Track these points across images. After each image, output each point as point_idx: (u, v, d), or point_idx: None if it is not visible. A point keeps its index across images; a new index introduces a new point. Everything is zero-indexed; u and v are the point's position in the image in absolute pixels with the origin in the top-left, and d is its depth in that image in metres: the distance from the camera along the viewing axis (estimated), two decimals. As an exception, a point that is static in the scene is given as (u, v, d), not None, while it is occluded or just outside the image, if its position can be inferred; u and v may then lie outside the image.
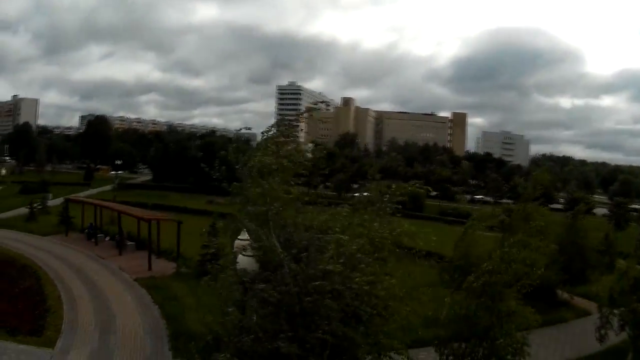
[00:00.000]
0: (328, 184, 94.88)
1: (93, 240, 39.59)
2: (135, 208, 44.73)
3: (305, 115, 10.04)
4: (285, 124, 9.88)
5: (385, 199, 9.59)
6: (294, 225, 9.75)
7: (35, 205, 50.33)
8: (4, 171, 64.37)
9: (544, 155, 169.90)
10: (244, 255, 9.85)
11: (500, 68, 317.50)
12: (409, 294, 9.85)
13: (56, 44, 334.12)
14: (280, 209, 9.54)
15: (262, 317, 9.10)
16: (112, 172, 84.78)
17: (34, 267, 29.51)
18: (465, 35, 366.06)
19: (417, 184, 10.60)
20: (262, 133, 9.82)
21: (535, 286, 12.48)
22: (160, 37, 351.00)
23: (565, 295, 28.57)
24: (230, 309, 9.45)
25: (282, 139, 9.57)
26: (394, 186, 9.88)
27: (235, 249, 9.94)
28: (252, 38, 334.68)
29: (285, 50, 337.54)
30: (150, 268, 31.21)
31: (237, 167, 9.73)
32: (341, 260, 8.69)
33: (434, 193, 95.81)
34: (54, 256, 33.79)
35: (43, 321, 20.88)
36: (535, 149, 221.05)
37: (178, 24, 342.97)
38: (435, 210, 77.65)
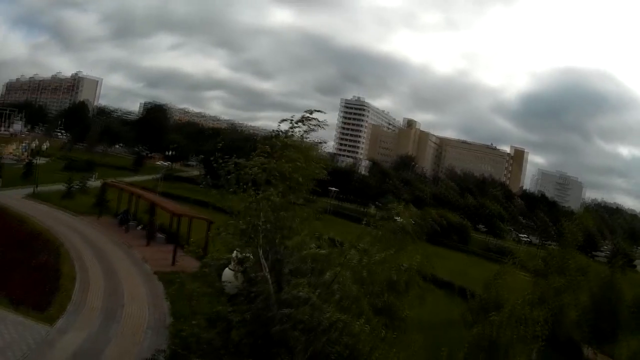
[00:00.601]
0: (379, 203, 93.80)
1: (124, 226, 39.71)
2: (172, 201, 44.22)
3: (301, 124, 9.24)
4: (284, 134, 9.20)
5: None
6: (282, 245, 9.02)
7: (73, 183, 50.60)
8: (45, 145, 65.66)
9: (595, 202, 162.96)
10: (230, 269, 9.28)
11: (565, 108, 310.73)
12: (397, 338, 8.95)
13: (126, 28, 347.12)
14: (268, 226, 8.83)
15: (228, 337, 8.44)
16: (159, 162, 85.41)
17: (56, 243, 29.83)
18: (535, 70, 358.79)
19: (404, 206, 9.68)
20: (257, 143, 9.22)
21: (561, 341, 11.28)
22: (232, 35, 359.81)
23: (590, 354, 26.63)
24: (194, 322, 8.82)
25: (268, 150, 8.89)
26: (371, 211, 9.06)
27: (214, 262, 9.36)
28: (325, 48, 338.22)
29: (356, 64, 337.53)
30: (173, 263, 30.84)
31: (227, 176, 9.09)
32: (318, 291, 7.91)
33: (484, 228, 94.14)
34: (81, 236, 34.08)
35: (51, 298, 20.92)
36: (590, 194, 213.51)
37: (252, 24, 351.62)
38: (482, 245, 75.23)
